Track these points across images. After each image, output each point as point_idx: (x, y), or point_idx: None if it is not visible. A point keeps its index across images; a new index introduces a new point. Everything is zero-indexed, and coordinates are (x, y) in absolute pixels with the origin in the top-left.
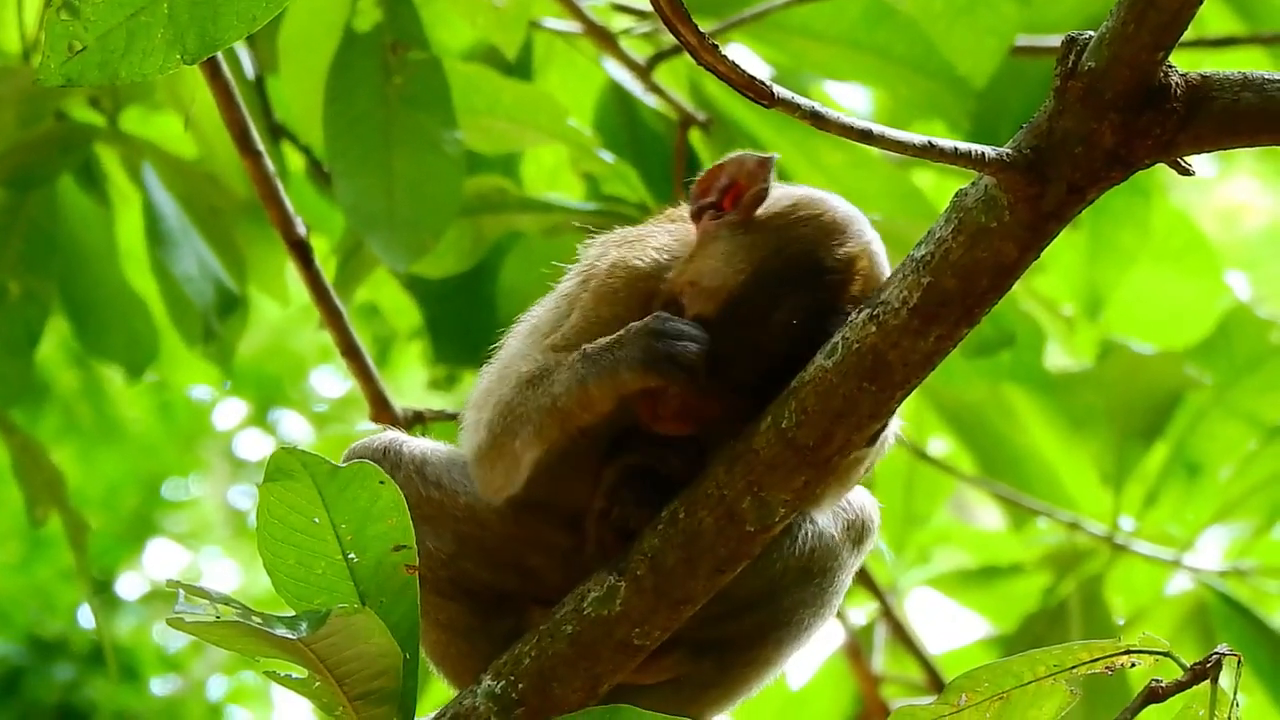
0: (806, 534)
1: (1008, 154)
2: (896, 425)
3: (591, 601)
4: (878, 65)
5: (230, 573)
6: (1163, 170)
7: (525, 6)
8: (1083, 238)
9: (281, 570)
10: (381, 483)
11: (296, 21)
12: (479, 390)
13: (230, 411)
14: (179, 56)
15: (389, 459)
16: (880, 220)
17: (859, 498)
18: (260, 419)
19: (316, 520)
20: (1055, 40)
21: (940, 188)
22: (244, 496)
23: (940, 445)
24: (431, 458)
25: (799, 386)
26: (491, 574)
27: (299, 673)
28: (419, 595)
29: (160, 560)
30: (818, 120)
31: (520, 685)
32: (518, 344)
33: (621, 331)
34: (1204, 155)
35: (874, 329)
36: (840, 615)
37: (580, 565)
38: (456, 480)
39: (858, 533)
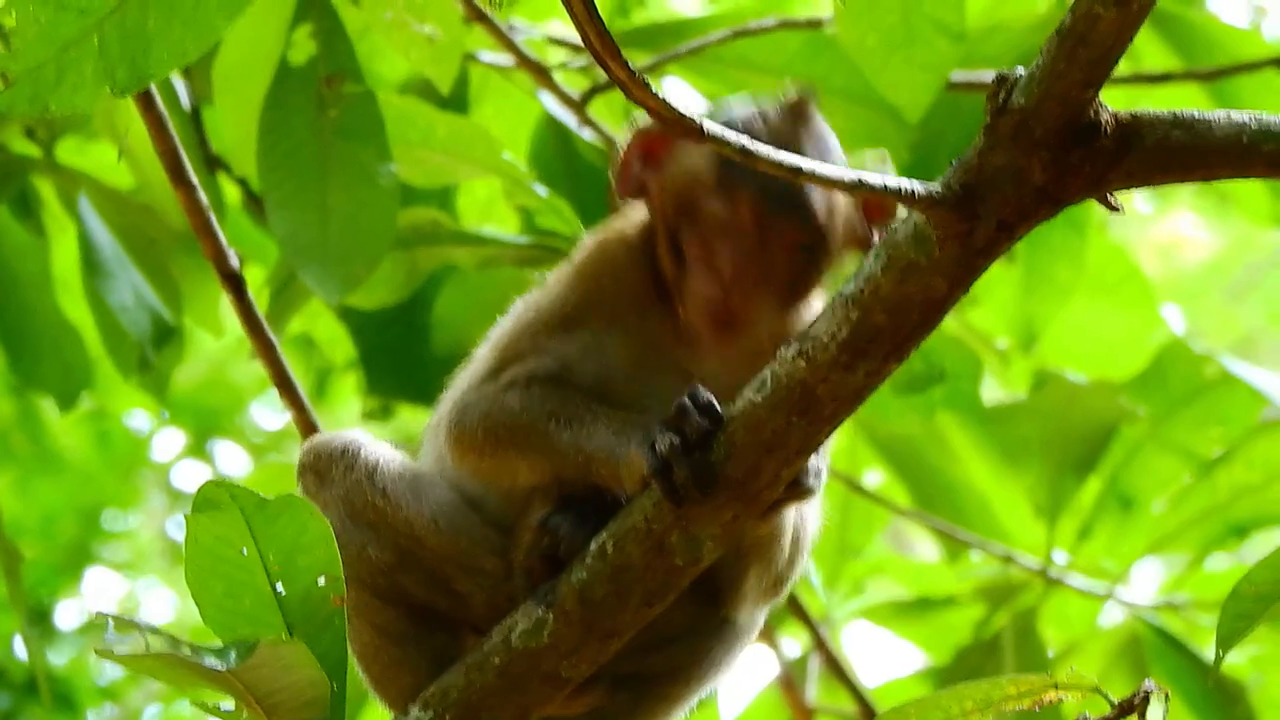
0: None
1: (937, 191)
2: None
3: (520, 634)
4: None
5: (168, 603)
6: (1099, 205)
7: (459, 40)
8: (1018, 271)
9: (209, 601)
10: (310, 514)
11: (231, 54)
12: (471, 376)
13: (169, 442)
14: (109, 89)
15: (345, 459)
16: None
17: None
18: (199, 450)
19: (245, 551)
20: (991, 76)
21: None
22: (182, 527)
23: (875, 477)
24: (384, 466)
25: (727, 420)
26: (425, 592)
27: (228, 703)
28: (357, 594)
29: (98, 590)
30: (747, 156)
31: (448, 716)
32: (519, 327)
33: (669, 417)
34: (1141, 191)
35: (803, 364)
36: (774, 646)
37: (506, 594)
38: (402, 494)
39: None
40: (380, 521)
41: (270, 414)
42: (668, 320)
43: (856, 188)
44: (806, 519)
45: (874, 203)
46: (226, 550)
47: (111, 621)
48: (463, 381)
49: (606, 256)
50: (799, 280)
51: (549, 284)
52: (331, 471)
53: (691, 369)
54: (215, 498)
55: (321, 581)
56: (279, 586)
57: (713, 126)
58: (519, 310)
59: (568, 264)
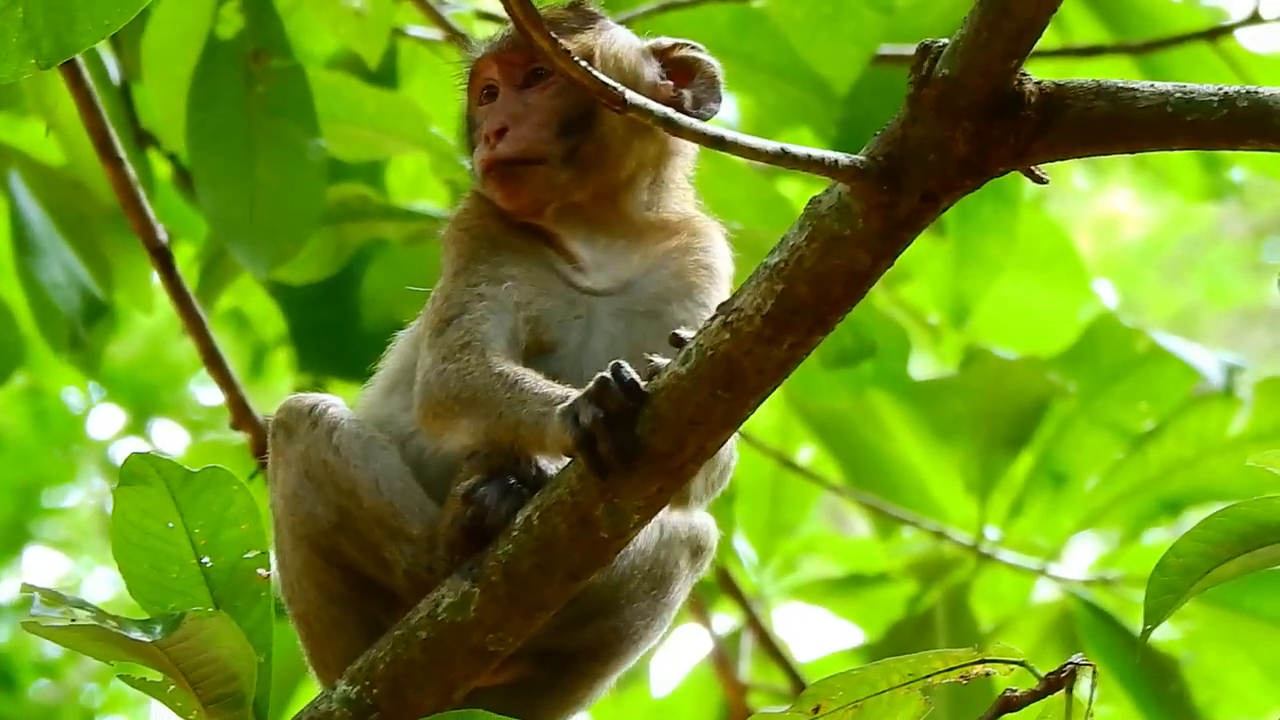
0: (650, 541)
1: (861, 161)
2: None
3: (446, 607)
4: (744, 72)
5: (108, 581)
6: (1025, 177)
7: (388, 14)
8: (949, 246)
9: (136, 574)
10: (235, 488)
11: (160, 29)
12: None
13: (107, 420)
14: (34, 61)
15: (312, 416)
16: (741, 229)
17: (697, 517)
18: (138, 428)
19: (170, 525)
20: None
21: (806, 197)
22: None
23: (807, 454)
24: (343, 425)
25: (653, 394)
26: (359, 555)
27: (154, 676)
28: (306, 554)
29: (37, 568)
30: (670, 126)
31: (375, 690)
32: (447, 286)
33: (590, 390)
34: (1078, 167)
35: (728, 336)
36: (706, 623)
37: (427, 565)
38: (353, 452)
39: (694, 549)
40: (328, 479)
41: (209, 391)
42: (550, 246)
43: (780, 158)
44: None
45: (678, 61)
46: (152, 524)
47: (38, 595)
48: (415, 347)
49: (473, 203)
50: (570, 112)
51: (445, 247)
52: (299, 427)
53: (594, 285)
54: (141, 471)
55: (249, 555)
56: (205, 560)
57: (634, 97)
58: (444, 274)
59: (449, 224)
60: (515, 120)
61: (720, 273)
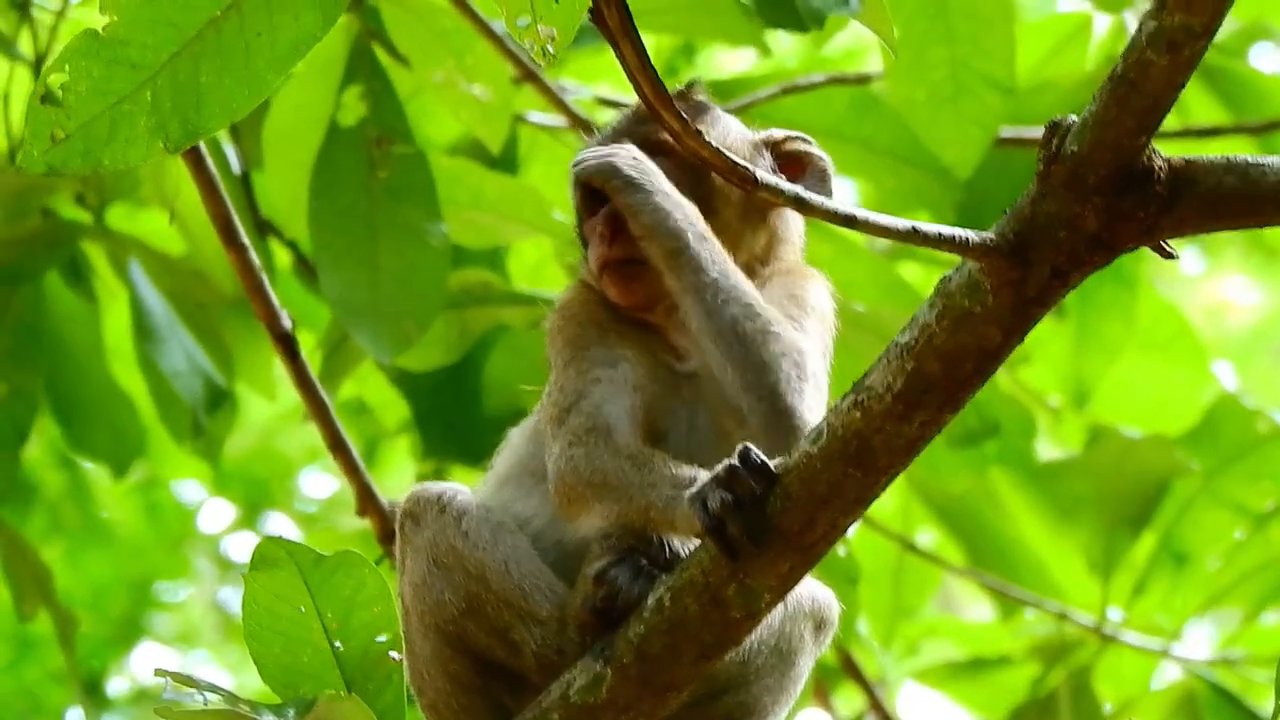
0: (776, 615)
1: (991, 238)
2: None
3: (578, 689)
4: (863, 157)
5: (220, 677)
6: (1149, 262)
7: (509, 100)
8: (1069, 328)
9: (268, 659)
10: (367, 571)
11: (281, 116)
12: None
13: (218, 513)
14: (162, 144)
15: (440, 503)
16: (864, 310)
17: (818, 591)
18: (249, 521)
19: (302, 609)
20: (1040, 132)
21: (926, 279)
22: (233, 599)
23: (928, 537)
24: (472, 510)
25: (783, 473)
26: (486, 639)
27: None
28: (435, 642)
29: (148, 663)
30: (801, 205)
31: None
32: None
33: (720, 475)
34: (1190, 251)
35: (858, 414)
36: (829, 708)
37: (557, 647)
38: (483, 536)
39: (818, 621)
40: (456, 564)
41: (319, 483)
42: (654, 334)
43: (910, 236)
44: None
45: (789, 154)
46: (284, 607)
47: (170, 680)
48: (529, 443)
49: (578, 291)
50: None
51: (552, 337)
52: (426, 516)
53: (697, 368)
54: (272, 555)
55: (380, 639)
56: (337, 643)
57: (765, 176)
58: (555, 365)
59: (555, 314)
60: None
61: (809, 303)
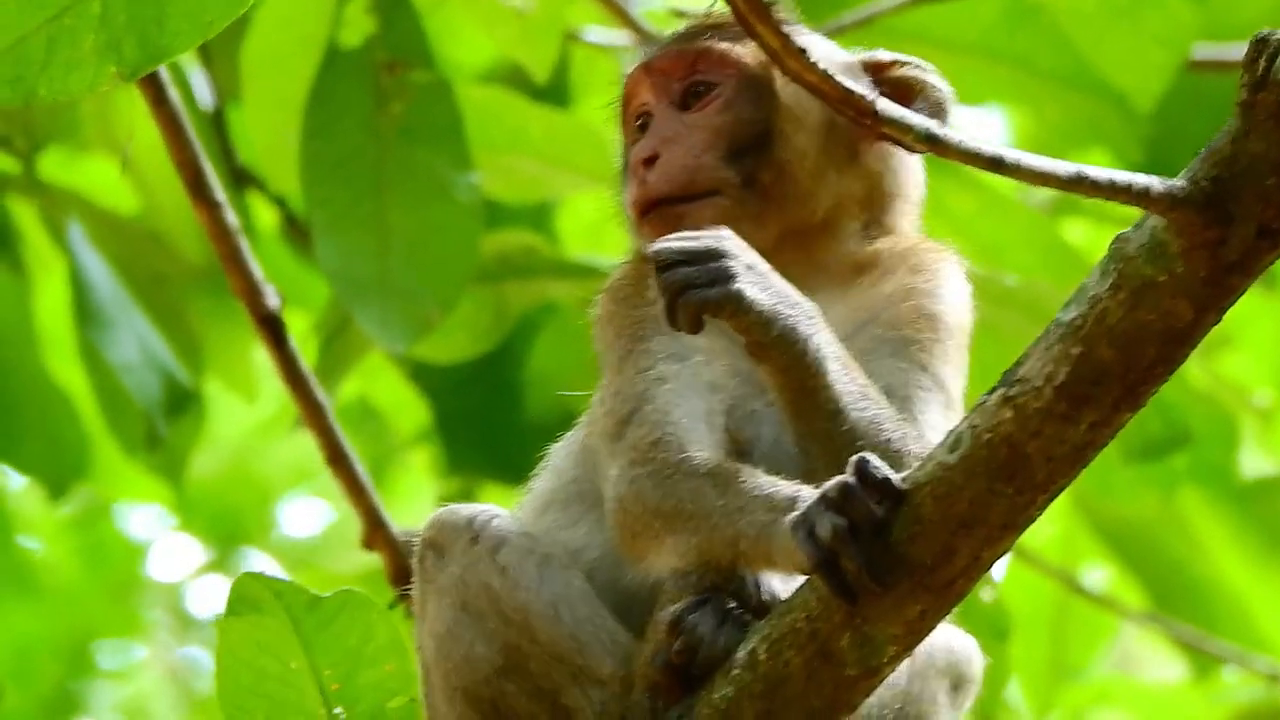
0: (901, 672)
1: (1180, 187)
2: None
3: None
4: (1019, 80)
5: None
6: None
7: (559, 13)
8: None
9: None
10: (376, 616)
11: (265, 34)
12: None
13: (178, 552)
14: (114, 70)
15: (471, 530)
16: (1015, 283)
17: (956, 640)
18: (220, 563)
19: (293, 665)
20: (1243, 51)
21: (1096, 241)
22: (198, 661)
23: (1099, 575)
24: (512, 539)
25: (912, 490)
26: (530, 706)
27: None
28: (462, 710)
29: None
30: (934, 145)
31: None
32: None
33: (829, 494)
34: None
35: (1009, 414)
36: None
37: (619, 715)
38: (526, 572)
39: (955, 679)
40: (491, 608)
41: (310, 512)
42: None
43: (1076, 184)
44: None
45: (896, 81)
46: (269, 663)
47: None
48: (576, 465)
49: (633, 267)
50: (741, 131)
51: (601, 328)
52: (453, 546)
53: None
54: (254, 595)
55: (394, 703)
56: (338, 710)
57: (888, 106)
58: (606, 364)
59: (603, 298)
60: (669, 145)
61: (948, 323)
